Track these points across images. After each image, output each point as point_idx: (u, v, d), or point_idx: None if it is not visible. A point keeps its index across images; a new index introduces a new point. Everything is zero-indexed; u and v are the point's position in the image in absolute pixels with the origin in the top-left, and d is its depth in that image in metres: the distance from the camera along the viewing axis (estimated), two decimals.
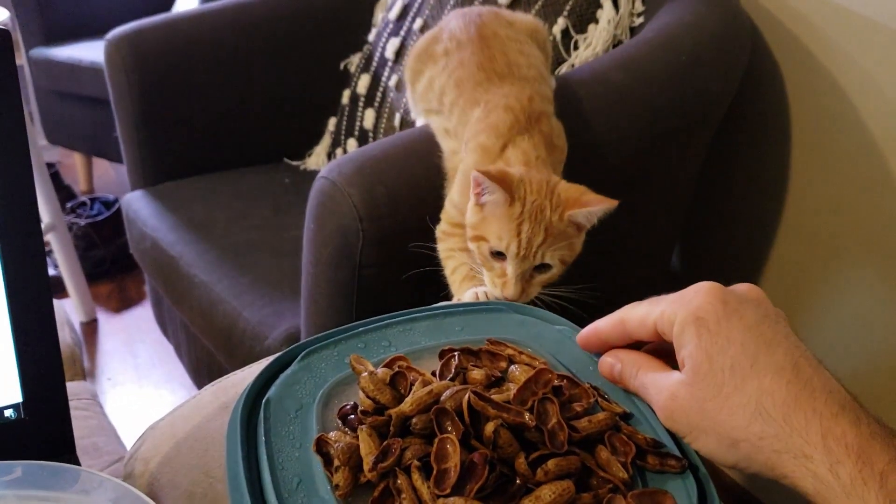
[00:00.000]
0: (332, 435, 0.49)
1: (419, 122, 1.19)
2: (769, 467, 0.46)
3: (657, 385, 0.51)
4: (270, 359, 0.58)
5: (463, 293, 0.90)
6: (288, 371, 0.56)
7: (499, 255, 0.85)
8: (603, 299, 1.30)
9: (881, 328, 1.30)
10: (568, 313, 0.65)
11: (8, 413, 0.57)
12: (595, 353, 0.59)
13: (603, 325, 0.57)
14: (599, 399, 0.54)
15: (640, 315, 0.53)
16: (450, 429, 0.47)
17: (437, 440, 0.46)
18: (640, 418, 0.54)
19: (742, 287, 0.52)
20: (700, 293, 0.51)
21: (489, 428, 0.47)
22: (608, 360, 0.56)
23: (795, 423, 0.44)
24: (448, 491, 0.44)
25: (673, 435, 0.52)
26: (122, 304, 2.40)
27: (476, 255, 0.88)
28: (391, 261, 0.98)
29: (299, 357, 0.57)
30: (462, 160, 0.96)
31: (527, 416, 0.48)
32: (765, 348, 0.48)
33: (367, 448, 0.46)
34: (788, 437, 0.44)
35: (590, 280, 1.22)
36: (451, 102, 1.01)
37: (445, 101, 1.02)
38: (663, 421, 0.51)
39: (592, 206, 0.84)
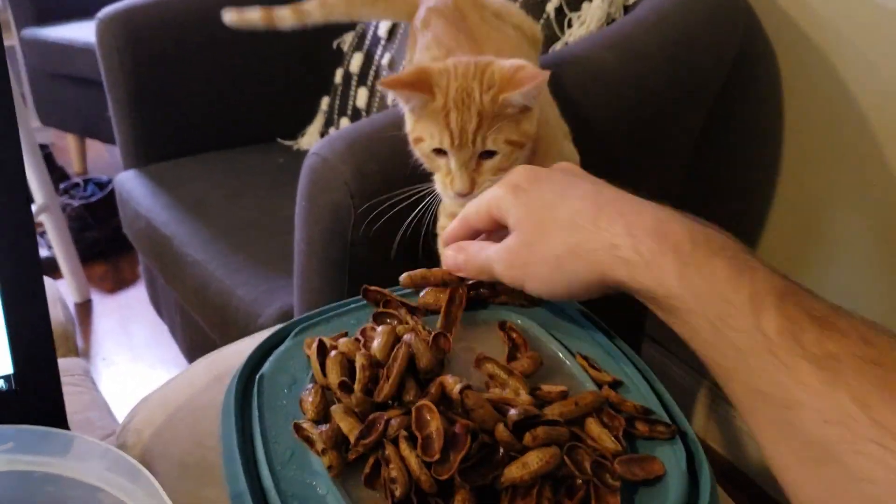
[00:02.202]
0: (304, 424, 0.49)
1: None
2: (590, 270, 0.51)
3: (496, 250, 0.56)
4: (264, 335, 0.58)
5: None
6: (281, 347, 0.57)
7: (441, 153, 0.83)
8: None
9: (877, 305, 1.31)
10: None
11: None
12: None
13: (452, 230, 0.62)
14: (589, 369, 0.55)
15: (475, 206, 0.59)
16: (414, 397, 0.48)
17: (414, 409, 0.47)
18: (629, 386, 0.54)
19: (559, 165, 0.61)
20: (515, 170, 0.58)
21: (454, 391, 0.47)
22: (449, 253, 0.61)
23: (602, 224, 0.50)
24: (437, 456, 0.44)
25: (662, 401, 0.53)
26: (117, 284, 2.40)
27: (423, 159, 0.86)
28: (383, 238, 0.98)
29: (293, 333, 0.58)
30: None
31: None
32: (569, 186, 0.55)
33: (348, 426, 0.47)
34: (598, 237, 0.50)
35: None
36: None
37: None
38: (502, 273, 0.55)
39: (525, 86, 0.79)
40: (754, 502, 1.53)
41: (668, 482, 0.47)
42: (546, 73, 0.79)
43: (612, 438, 0.48)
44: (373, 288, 0.60)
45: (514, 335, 0.57)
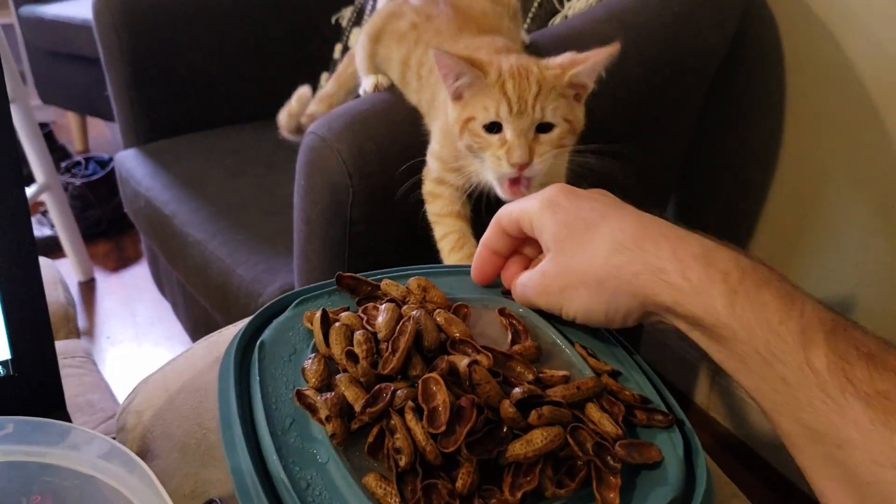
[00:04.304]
0: (307, 391, 0.49)
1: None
2: (633, 294, 0.49)
3: (530, 276, 0.55)
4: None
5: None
6: (282, 317, 0.56)
7: (494, 127, 0.82)
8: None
9: (874, 277, 1.31)
10: None
11: None
12: (496, 274, 0.61)
13: (487, 237, 0.60)
14: (588, 357, 0.54)
15: (507, 212, 0.57)
16: (420, 372, 0.48)
17: (420, 381, 0.47)
18: (627, 376, 0.54)
19: (594, 190, 0.57)
20: (551, 187, 0.55)
21: (462, 364, 0.47)
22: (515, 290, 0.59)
23: (647, 247, 0.49)
24: (443, 428, 0.44)
25: (658, 391, 0.53)
26: (120, 263, 2.41)
27: (471, 142, 0.84)
28: (382, 217, 0.98)
29: (293, 304, 0.58)
30: (437, 114, 0.95)
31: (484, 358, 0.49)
32: (610, 206, 0.53)
33: (354, 395, 0.47)
34: (643, 259, 0.48)
35: None
36: (427, 73, 0.98)
37: (423, 72, 1.00)
38: (537, 299, 0.54)
39: (593, 59, 0.81)
40: (756, 472, 1.54)
41: (667, 468, 0.47)
42: (616, 45, 0.81)
43: (613, 422, 0.48)
44: (346, 275, 0.60)
45: (514, 321, 0.57)
